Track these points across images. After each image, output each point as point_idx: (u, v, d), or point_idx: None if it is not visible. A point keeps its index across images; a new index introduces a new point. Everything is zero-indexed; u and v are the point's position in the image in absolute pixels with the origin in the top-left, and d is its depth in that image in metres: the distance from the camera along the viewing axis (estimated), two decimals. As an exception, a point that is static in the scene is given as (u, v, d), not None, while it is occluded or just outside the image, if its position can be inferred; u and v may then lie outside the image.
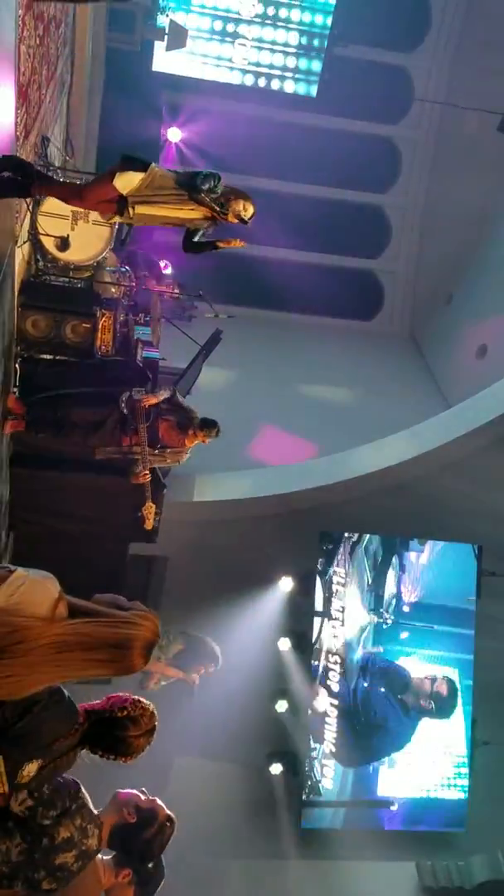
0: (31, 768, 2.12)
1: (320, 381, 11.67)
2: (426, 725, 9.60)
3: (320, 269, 13.65)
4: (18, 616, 1.92)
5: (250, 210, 4.80)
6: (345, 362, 12.30)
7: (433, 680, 9.59)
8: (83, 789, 2.35)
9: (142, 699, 2.39)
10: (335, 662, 9.38)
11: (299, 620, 9.40)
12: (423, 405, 11.42)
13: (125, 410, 5.55)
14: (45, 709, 2.14)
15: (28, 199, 5.95)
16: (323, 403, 11.17)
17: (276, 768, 9.32)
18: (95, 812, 2.35)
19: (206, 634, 8.15)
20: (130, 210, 4.53)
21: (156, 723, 2.36)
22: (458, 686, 9.60)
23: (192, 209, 4.65)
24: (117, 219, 4.79)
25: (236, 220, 4.77)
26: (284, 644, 9.40)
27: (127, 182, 4.47)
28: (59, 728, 2.19)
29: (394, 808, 9.45)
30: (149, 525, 5.56)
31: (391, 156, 13.65)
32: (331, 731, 9.27)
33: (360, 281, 14.21)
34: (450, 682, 9.60)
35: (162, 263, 9.82)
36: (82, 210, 6.35)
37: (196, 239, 4.91)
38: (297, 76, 12.72)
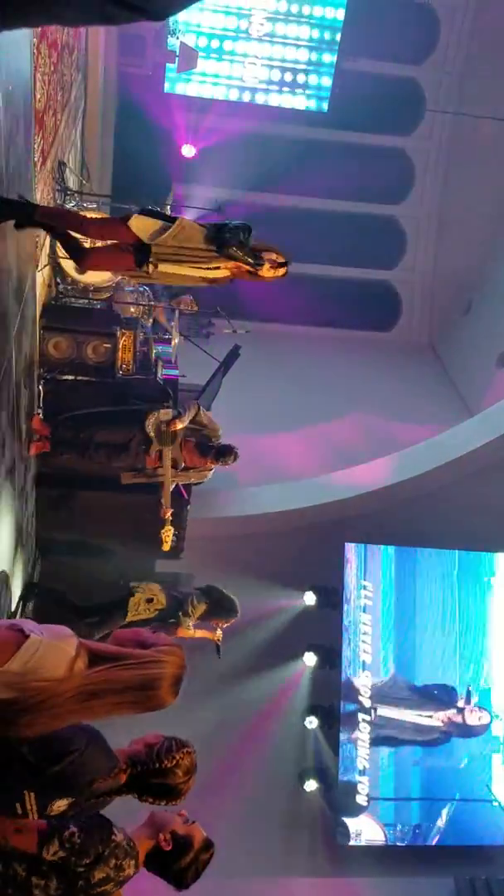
0: (61, 804, 2.13)
1: (340, 394, 11.66)
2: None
3: (337, 281, 13.68)
4: (36, 680, 1.92)
5: (281, 270, 4.36)
6: (365, 374, 12.29)
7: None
8: (115, 828, 2.32)
9: (178, 738, 2.38)
10: (366, 678, 9.31)
11: (326, 634, 9.35)
12: (445, 415, 11.36)
13: (151, 433, 5.56)
14: (83, 754, 2.15)
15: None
16: (344, 416, 11.15)
17: (311, 785, 9.24)
18: (130, 838, 2.33)
19: (230, 659, 8.14)
20: (151, 267, 4.03)
21: (196, 761, 2.35)
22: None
23: (218, 267, 4.19)
24: (133, 280, 4.42)
25: (271, 274, 4.33)
26: (311, 659, 9.35)
27: (144, 227, 3.99)
28: (97, 771, 2.19)
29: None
30: (165, 548, 5.63)
31: (404, 167, 13.67)
32: (364, 748, 9.20)
33: (378, 292, 14.21)
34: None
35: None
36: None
37: None
38: (307, 92, 12.81)
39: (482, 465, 9.42)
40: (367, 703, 9.17)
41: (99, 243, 4.52)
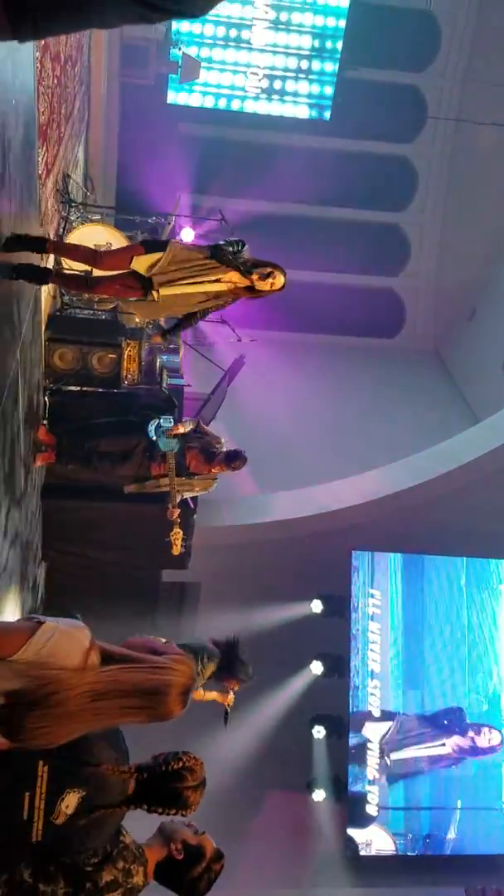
0: (70, 800, 2.10)
1: (345, 401, 11.66)
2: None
3: (341, 289, 13.70)
4: (49, 668, 1.91)
5: (279, 277, 4.53)
6: (369, 381, 12.29)
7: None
8: (124, 829, 2.32)
9: (182, 750, 2.37)
10: (375, 687, 9.27)
11: (333, 643, 9.31)
12: (451, 421, 11.35)
13: (154, 439, 5.58)
14: (99, 736, 2.14)
15: (52, 237, 6.07)
16: (349, 423, 11.14)
17: (319, 794, 9.18)
18: (140, 846, 2.32)
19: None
20: (155, 294, 4.39)
21: (205, 774, 2.34)
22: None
23: (218, 279, 4.43)
24: (143, 310, 4.64)
25: (267, 286, 4.51)
26: (317, 668, 9.31)
27: (143, 263, 4.36)
28: (109, 754, 2.17)
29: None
30: (175, 550, 5.53)
31: (407, 174, 13.70)
32: (373, 758, 9.15)
33: (382, 299, 14.22)
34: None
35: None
36: (105, 244, 6.45)
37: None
38: (310, 101, 12.87)
39: (489, 471, 9.39)
40: (377, 751, 9.12)
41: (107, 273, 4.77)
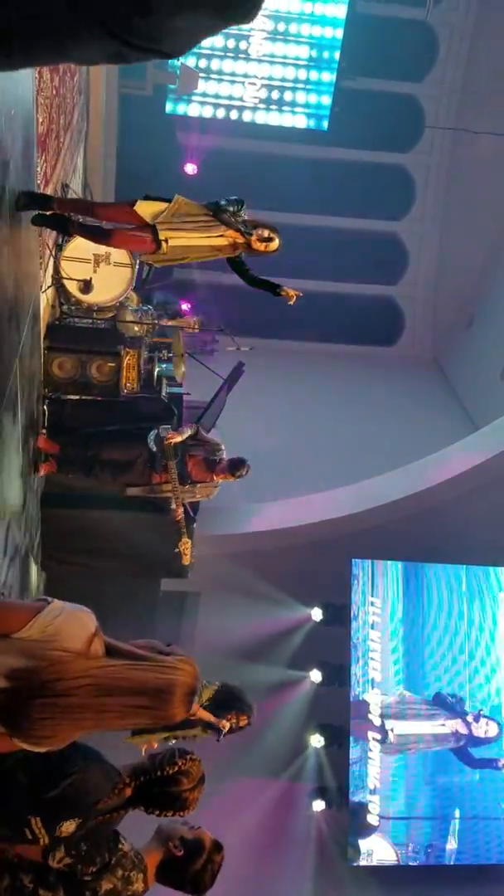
0: (69, 826, 2.09)
1: (345, 409, 11.67)
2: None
3: (339, 297, 13.72)
4: (54, 649, 1.89)
5: (275, 241, 4.78)
6: (368, 389, 12.29)
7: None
8: (122, 837, 2.30)
9: (181, 748, 2.36)
10: (374, 696, 9.23)
11: (334, 652, 9.28)
12: (450, 429, 11.35)
13: (153, 448, 5.58)
14: (79, 778, 2.11)
15: (51, 246, 6.08)
16: (349, 431, 11.15)
17: (319, 805, 9.13)
18: (138, 851, 2.31)
19: (239, 678, 8.00)
20: (164, 244, 4.56)
21: (203, 771, 2.32)
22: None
23: (220, 235, 4.67)
24: (153, 258, 4.75)
25: (262, 247, 4.75)
26: (317, 676, 9.27)
27: (149, 209, 4.52)
28: (98, 790, 2.15)
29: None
30: (186, 560, 5.51)
31: (405, 183, 13.75)
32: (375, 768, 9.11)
33: (380, 308, 14.25)
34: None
35: (184, 307, 9.95)
36: (104, 252, 6.47)
37: (253, 276, 4.94)
38: (307, 111, 12.93)
39: (489, 479, 9.39)
40: (379, 721, 9.09)
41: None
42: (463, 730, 9.28)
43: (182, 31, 1.75)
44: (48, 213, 4.51)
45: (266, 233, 4.73)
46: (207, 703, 5.09)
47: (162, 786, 2.26)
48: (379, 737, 9.05)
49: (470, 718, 9.31)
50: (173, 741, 4.98)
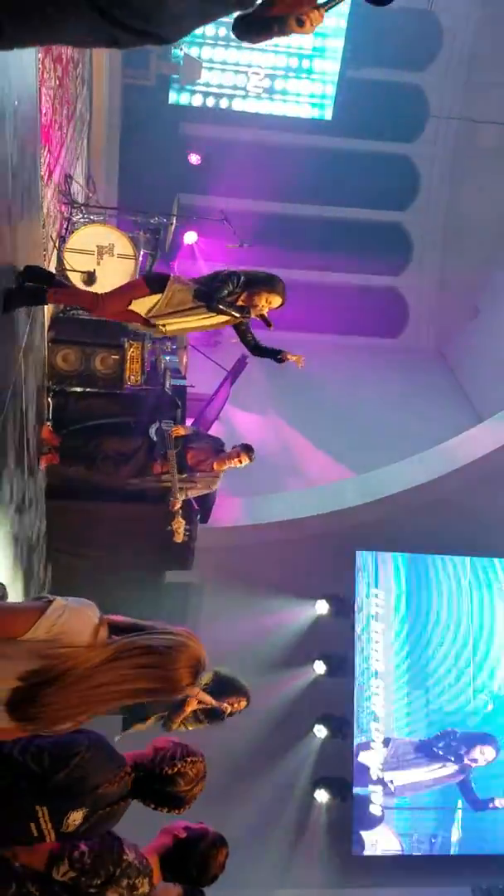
0: (76, 816, 2.10)
1: (349, 401, 11.64)
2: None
3: (344, 288, 13.68)
4: (62, 646, 1.90)
5: (275, 302, 4.51)
6: (373, 380, 12.27)
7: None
8: (126, 845, 2.30)
9: (188, 746, 2.35)
10: (378, 687, 9.25)
11: (337, 643, 9.30)
12: (456, 420, 11.33)
13: (155, 439, 5.59)
14: (86, 757, 2.12)
15: (54, 238, 6.07)
16: (354, 423, 11.13)
17: (322, 795, 9.15)
18: (142, 855, 2.31)
19: (243, 668, 8.01)
20: (162, 328, 4.52)
21: (205, 769, 2.33)
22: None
23: (218, 315, 4.49)
24: (154, 331, 4.69)
25: (265, 312, 4.53)
26: (320, 667, 9.29)
27: (142, 306, 4.41)
28: (104, 774, 2.16)
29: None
30: (178, 538, 5.49)
31: (409, 173, 13.68)
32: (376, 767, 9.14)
33: (385, 299, 14.20)
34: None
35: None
36: (107, 244, 6.46)
37: (256, 344, 4.82)
38: (311, 100, 12.87)
39: (493, 470, 9.38)
40: (378, 776, 9.08)
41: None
42: (465, 764, 9.28)
43: (176, 15, 1.72)
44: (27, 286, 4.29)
45: (264, 298, 4.46)
46: (205, 687, 5.13)
47: (160, 783, 2.27)
48: (381, 788, 9.08)
49: (466, 758, 9.30)
50: (175, 726, 5.01)
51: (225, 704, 5.12)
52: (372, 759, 9.09)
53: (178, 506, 5.38)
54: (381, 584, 9.44)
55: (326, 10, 2.41)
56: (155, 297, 4.39)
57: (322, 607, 9.33)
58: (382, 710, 9.24)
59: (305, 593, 9.19)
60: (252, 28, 2.77)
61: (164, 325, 4.49)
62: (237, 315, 4.46)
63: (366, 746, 9.10)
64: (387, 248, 13.88)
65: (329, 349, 13.21)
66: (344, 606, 9.33)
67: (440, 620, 9.52)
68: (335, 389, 11.93)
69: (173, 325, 4.51)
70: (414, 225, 13.94)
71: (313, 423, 10.78)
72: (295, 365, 4.96)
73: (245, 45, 12.16)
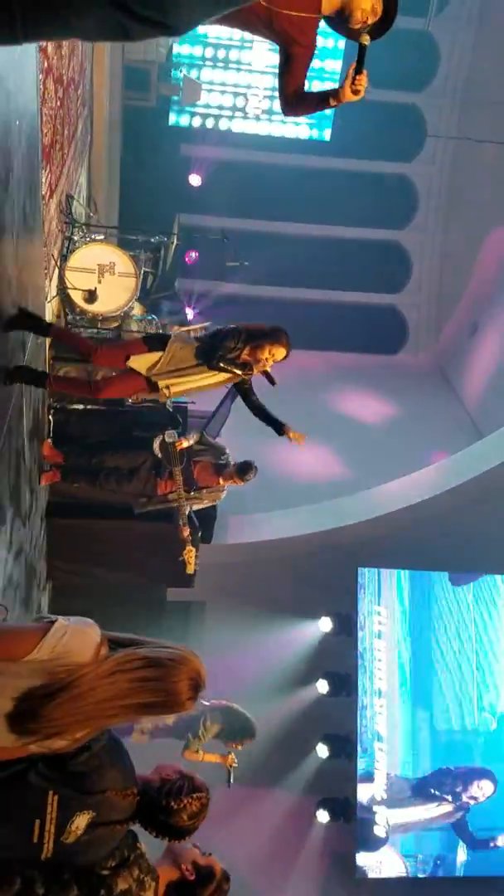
0: (79, 823, 2.08)
1: (349, 417, 11.66)
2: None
3: (343, 307, 13.75)
4: (65, 665, 1.90)
5: (279, 354, 4.42)
6: (373, 397, 12.29)
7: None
8: (140, 840, 2.31)
9: (195, 780, 2.32)
10: (381, 706, 9.17)
11: (340, 661, 9.23)
12: (456, 436, 11.33)
13: (159, 454, 5.58)
14: (106, 749, 2.12)
15: (56, 257, 6.10)
16: (354, 439, 11.13)
17: (324, 816, 9.03)
18: (152, 864, 2.30)
19: (245, 687, 7.96)
20: (165, 391, 4.45)
21: (209, 801, 2.30)
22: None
23: (220, 374, 4.44)
24: (158, 395, 4.62)
25: (269, 366, 4.45)
26: (323, 686, 9.21)
27: (142, 363, 4.37)
28: (116, 777, 2.15)
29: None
30: (190, 569, 5.47)
31: (407, 192, 13.80)
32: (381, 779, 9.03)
33: (383, 316, 14.28)
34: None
35: (188, 312, 9.97)
36: (108, 263, 6.50)
37: (261, 407, 4.84)
38: (310, 121, 13.00)
39: (495, 486, 9.35)
40: (378, 812, 8.96)
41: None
42: (463, 801, 9.16)
43: (189, 4, 1.71)
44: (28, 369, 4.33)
45: (266, 352, 4.38)
46: (214, 738, 5.16)
47: (164, 814, 2.25)
48: (384, 809, 8.97)
49: (463, 795, 9.18)
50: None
51: (231, 756, 5.18)
52: (367, 794, 8.94)
53: (187, 533, 5.36)
54: (383, 602, 9.38)
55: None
56: (156, 355, 4.35)
57: (325, 625, 9.27)
58: (386, 729, 9.15)
59: (308, 611, 9.14)
60: (306, 101, 3.16)
61: (167, 388, 4.41)
62: (239, 372, 4.39)
63: (364, 779, 8.97)
64: (385, 267, 13.98)
65: (328, 366, 13.26)
66: (347, 624, 9.27)
67: (443, 638, 9.46)
68: (335, 406, 11.96)
69: (176, 385, 4.43)
70: (412, 243, 14.04)
71: (313, 438, 10.76)
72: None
73: (244, 66, 12.34)
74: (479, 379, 12.76)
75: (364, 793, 8.89)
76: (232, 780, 5.37)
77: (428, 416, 12.29)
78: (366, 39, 2.85)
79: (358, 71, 2.87)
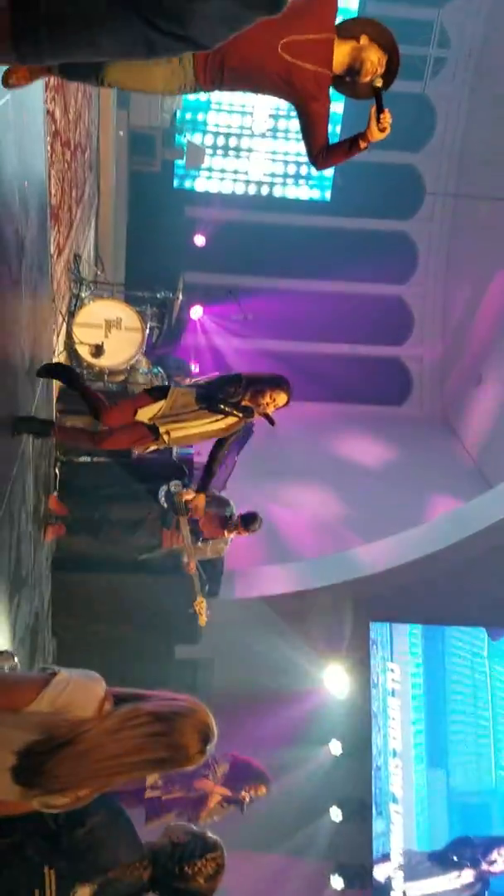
0: (83, 893, 2.00)
1: (356, 469, 11.62)
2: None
3: (347, 359, 13.88)
4: (66, 719, 1.84)
5: (280, 399, 4.41)
6: (380, 448, 12.29)
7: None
8: None
9: (207, 840, 2.24)
10: (396, 767, 8.89)
11: (353, 721, 8.97)
12: (463, 487, 11.26)
13: (164, 505, 5.54)
14: (103, 824, 2.03)
15: (63, 313, 6.19)
16: (361, 491, 11.07)
17: (338, 882, 8.65)
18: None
19: (256, 744, 7.75)
20: (165, 437, 4.50)
21: (224, 861, 2.22)
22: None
23: (222, 418, 4.45)
24: (153, 445, 4.66)
25: (271, 410, 4.43)
26: (336, 747, 8.93)
27: (148, 413, 4.45)
28: (119, 852, 2.06)
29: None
30: (202, 621, 5.36)
31: (408, 248, 14.08)
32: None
33: (387, 368, 14.40)
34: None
35: (193, 367, 10.08)
36: (115, 318, 6.58)
37: (218, 455, 4.81)
38: (310, 182, 13.37)
39: (505, 537, 9.24)
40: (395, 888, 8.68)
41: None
42: (482, 872, 8.83)
43: (209, 18, 1.73)
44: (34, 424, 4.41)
45: (268, 397, 4.37)
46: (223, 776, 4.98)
47: (179, 881, 2.17)
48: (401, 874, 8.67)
49: (483, 863, 8.87)
50: (203, 821, 4.85)
51: (243, 793, 4.97)
52: (384, 874, 8.61)
53: (193, 568, 5.29)
54: (396, 658, 9.18)
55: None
56: (159, 404, 4.44)
57: (336, 683, 9.03)
58: (401, 791, 8.85)
59: (318, 668, 8.93)
60: (336, 151, 3.30)
61: (167, 433, 4.46)
62: (240, 415, 4.39)
63: (381, 860, 8.65)
64: (388, 320, 14.18)
65: (335, 418, 13.30)
66: (359, 680, 9.03)
67: (458, 694, 9.22)
68: (341, 457, 11.95)
69: (177, 431, 4.47)
70: (414, 297, 14.25)
71: (321, 491, 10.74)
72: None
73: (247, 131, 12.74)
74: (486, 428, 12.77)
75: (381, 872, 8.57)
76: (244, 809, 5.16)
77: (435, 466, 12.26)
78: (379, 82, 3.06)
79: (380, 110, 3.07)
